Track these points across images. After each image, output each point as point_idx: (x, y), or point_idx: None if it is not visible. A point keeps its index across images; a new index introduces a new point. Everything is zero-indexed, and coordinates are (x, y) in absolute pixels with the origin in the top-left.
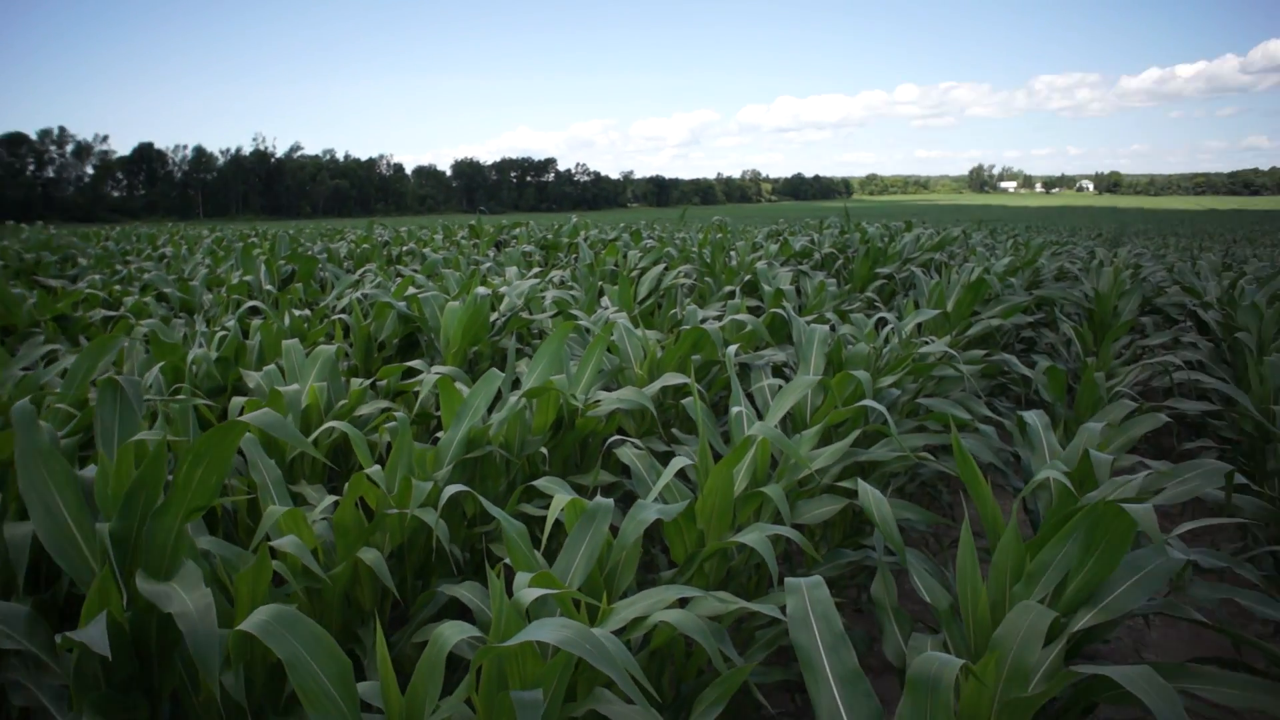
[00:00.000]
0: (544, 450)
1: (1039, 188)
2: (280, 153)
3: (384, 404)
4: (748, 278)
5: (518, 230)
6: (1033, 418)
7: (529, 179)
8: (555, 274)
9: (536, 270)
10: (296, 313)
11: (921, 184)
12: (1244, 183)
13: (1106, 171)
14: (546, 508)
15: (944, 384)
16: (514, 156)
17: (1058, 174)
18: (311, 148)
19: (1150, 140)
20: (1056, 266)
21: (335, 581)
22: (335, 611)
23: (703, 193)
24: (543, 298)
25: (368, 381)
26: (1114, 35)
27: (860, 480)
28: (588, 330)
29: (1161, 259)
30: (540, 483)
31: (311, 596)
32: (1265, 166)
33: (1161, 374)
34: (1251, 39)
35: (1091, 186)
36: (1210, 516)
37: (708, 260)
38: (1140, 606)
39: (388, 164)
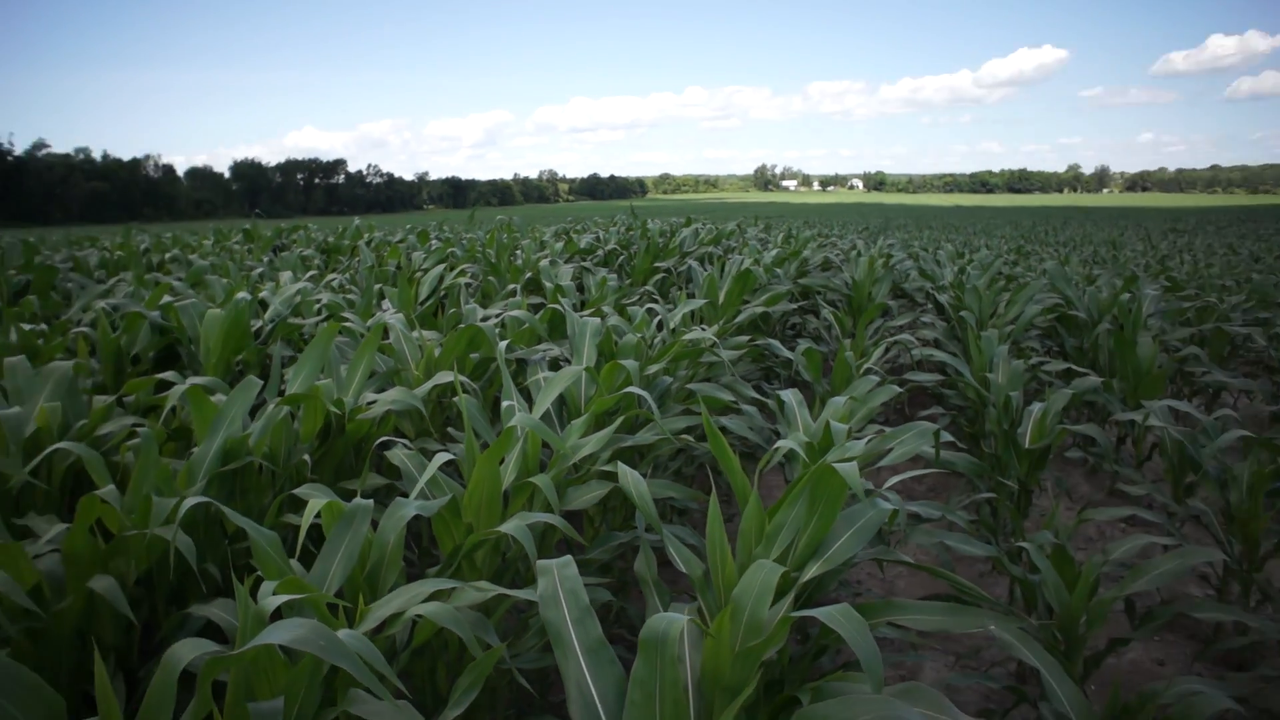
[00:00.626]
0: (307, 458)
1: (816, 186)
2: (20, 150)
3: (132, 420)
4: (530, 275)
5: (298, 234)
6: (789, 396)
7: (317, 181)
8: (334, 278)
9: (311, 274)
10: (27, 327)
11: (711, 183)
12: (981, 182)
13: (874, 171)
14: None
15: (715, 369)
16: (300, 157)
17: (832, 173)
18: (60, 145)
19: (907, 143)
20: (822, 257)
21: (63, 617)
22: (66, 650)
23: (500, 193)
24: (317, 302)
25: (113, 398)
26: (875, 47)
27: (620, 464)
28: (362, 334)
29: (909, 249)
30: (301, 490)
31: (35, 637)
32: (997, 169)
33: (906, 351)
34: (981, 56)
35: (861, 185)
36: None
37: (493, 260)
38: (859, 554)
39: (155, 165)
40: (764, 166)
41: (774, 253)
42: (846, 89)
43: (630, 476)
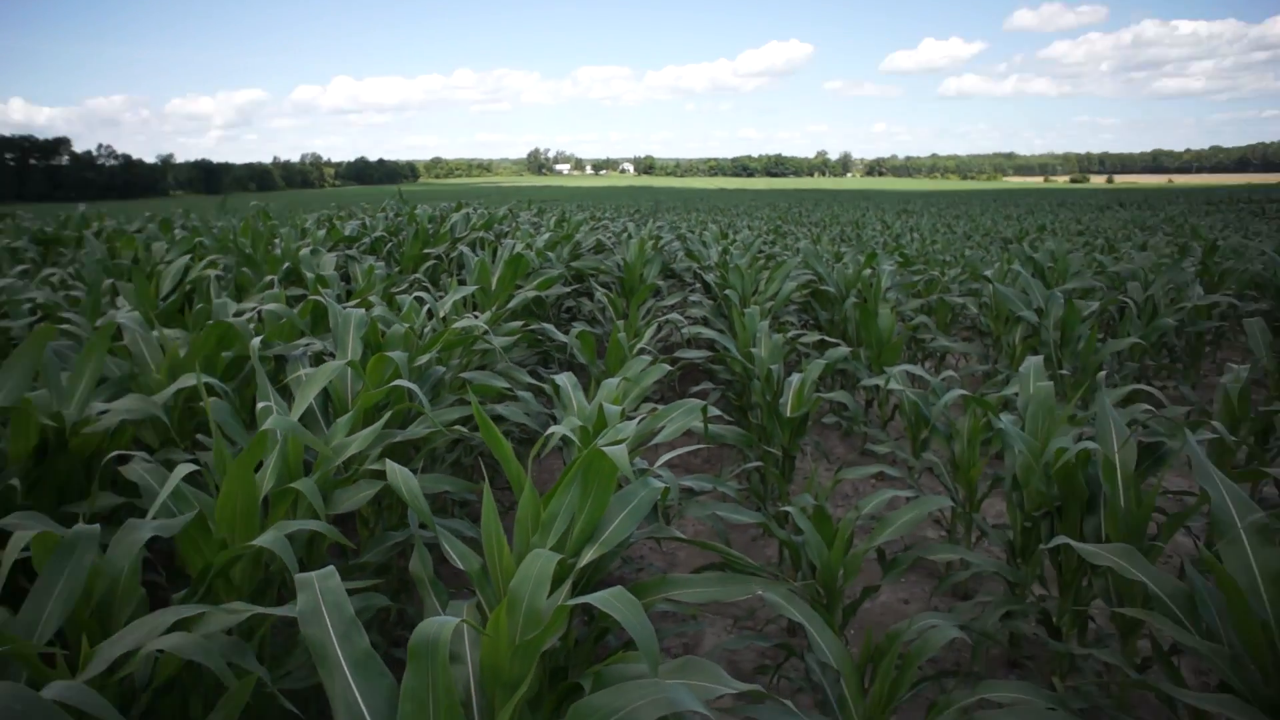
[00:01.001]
0: (16, 482)
1: (589, 170)
2: None
3: None
4: (289, 266)
5: (3, 223)
6: (564, 380)
7: (33, 162)
8: (53, 273)
9: (22, 269)
10: None
11: (485, 167)
12: (742, 166)
13: (643, 155)
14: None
15: (490, 356)
16: (8, 134)
17: (604, 157)
18: None
19: (674, 128)
20: (594, 240)
21: None
22: None
23: (259, 178)
24: (28, 301)
25: None
26: (641, 34)
27: (389, 461)
28: (88, 336)
29: (677, 230)
30: (7, 521)
31: None
32: (756, 154)
33: (677, 329)
34: (738, 47)
35: (632, 169)
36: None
37: (247, 250)
38: (635, 534)
39: None
40: (537, 150)
41: (546, 236)
42: (614, 74)
43: (399, 473)
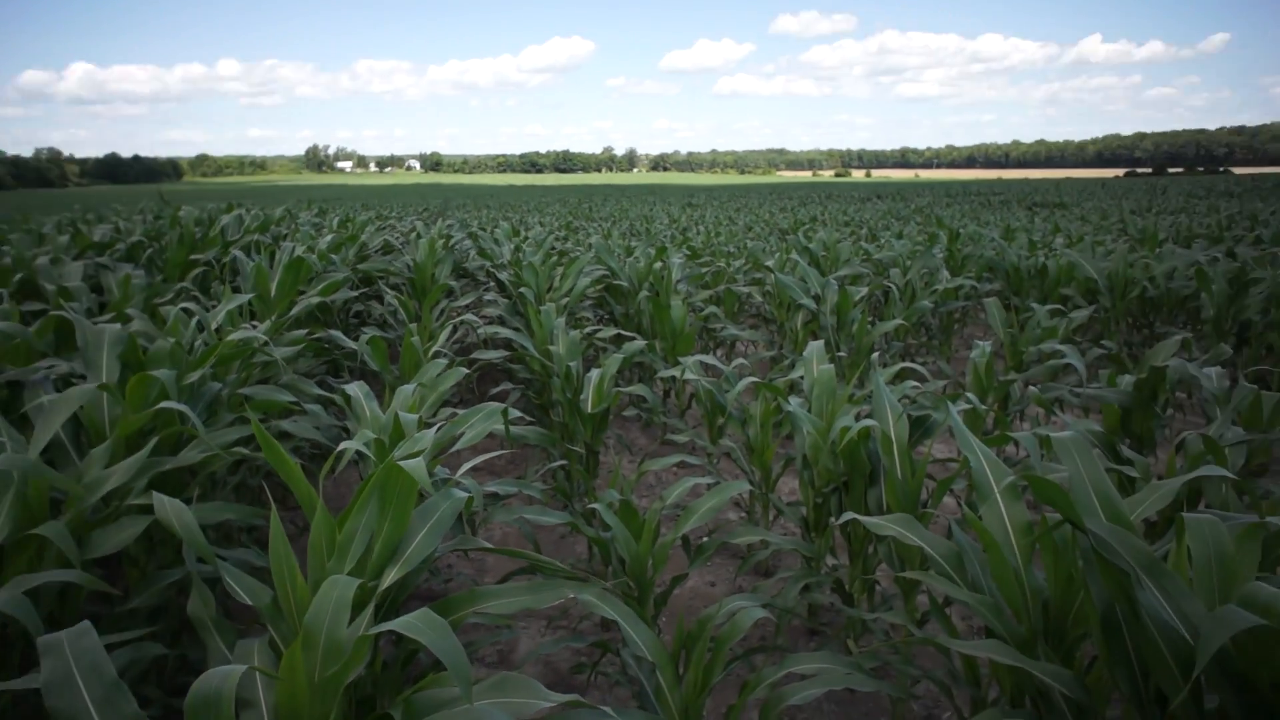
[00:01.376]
0: None
1: (374, 167)
2: None
3: None
4: (23, 277)
5: None
6: (354, 389)
7: None
8: None
9: None
10: None
11: (259, 164)
12: (531, 162)
13: (430, 152)
14: None
15: (273, 369)
16: None
17: (389, 154)
18: None
19: (460, 124)
20: (381, 241)
21: None
22: None
23: None
24: None
25: None
26: (422, 27)
27: (155, 493)
28: None
29: (468, 228)
30: None
31: None
32: (544, 150)
33: (473, 330)
34: (521, 43)
35: (419, 166)
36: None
37: None
38: (440, 548)
39: None
40: (316, 147)
41: (330, 238)
42: (395, 68)
43: (169, 505)
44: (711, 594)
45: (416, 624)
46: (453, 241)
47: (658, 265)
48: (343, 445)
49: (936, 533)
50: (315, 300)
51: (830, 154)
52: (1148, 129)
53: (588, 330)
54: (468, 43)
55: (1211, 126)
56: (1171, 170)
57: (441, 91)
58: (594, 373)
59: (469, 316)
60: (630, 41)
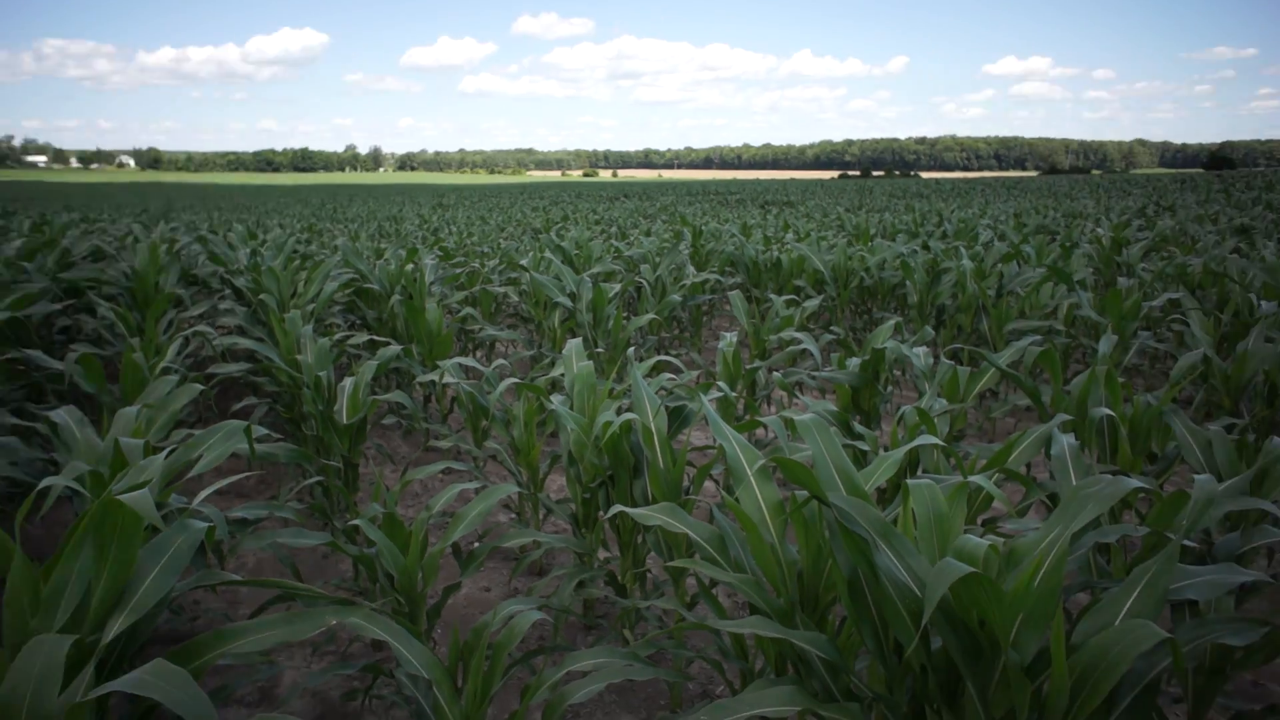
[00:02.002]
0: None
1: (75, 163)
2: None
3: None
4: None
5: None
6: (62, 416)
7: None
8: None
9: None
10: None
11: None
12: (266, 160)
13: (145, 147)
14: None
15: None
16: None
17: (94, 148)
18: None
19: (180, 118)
20: (89, 246)
21: None
22: None
23: None
24: None
25: None
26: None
27: None
28: None
29: (196, 232)
30: None
31: None
32: (279, 147)
33: (208, 342)
34: (247, 32)
35: (134, 163)
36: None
37: None
38: (178, 587)
39: None
40: None
41: (19, 243)
42: (95, 50)
43: None
44: (487, 600)
45: (147, 679)
46: (179, 246)
47: (410, 267)
48: (46, 482)
49: (699, 518)
50: (4, 315)
51: (578, 154)
52: (854, 136)
53: (338, 337)
54: (182, 29)
55: (902, 136)
56: (875, 173)
57: (155, 80)
58: (347, 381)
59: (203, 328)
60: (367, 36)
